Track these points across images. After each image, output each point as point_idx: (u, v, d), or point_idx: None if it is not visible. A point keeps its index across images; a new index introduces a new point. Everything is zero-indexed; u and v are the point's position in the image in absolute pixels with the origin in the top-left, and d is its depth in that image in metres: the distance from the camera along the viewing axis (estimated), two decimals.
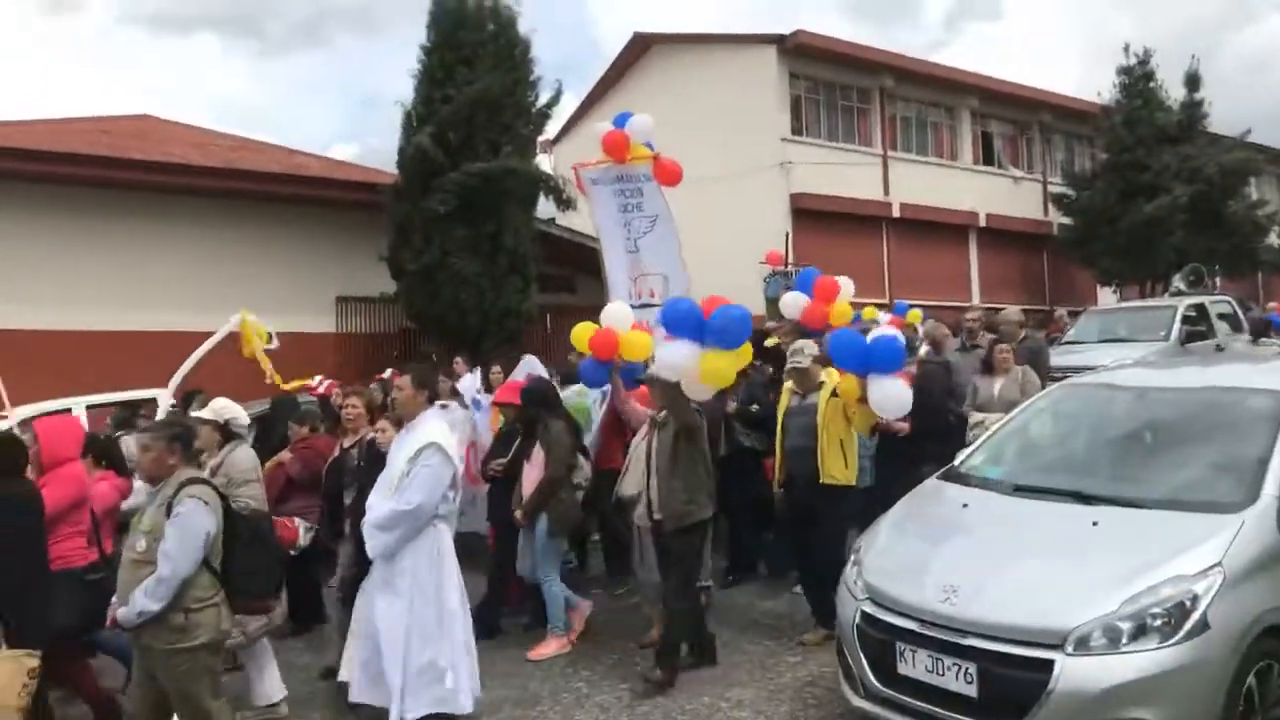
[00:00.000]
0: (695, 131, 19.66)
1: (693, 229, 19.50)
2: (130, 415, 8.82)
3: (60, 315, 13.26)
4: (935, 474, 5.32)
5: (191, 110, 66.80)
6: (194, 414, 5.89)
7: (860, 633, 4.33)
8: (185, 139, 16.95)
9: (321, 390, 9.36)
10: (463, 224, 13.51)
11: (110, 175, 13.88)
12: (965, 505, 4.72)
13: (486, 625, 6.27)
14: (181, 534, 3.89)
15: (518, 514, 6.33)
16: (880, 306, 13.86)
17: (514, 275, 13.99)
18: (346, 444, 6.11)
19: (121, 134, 15.83)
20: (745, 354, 5.61)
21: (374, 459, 5.38)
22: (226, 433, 5.38)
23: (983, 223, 23.94)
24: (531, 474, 6.33)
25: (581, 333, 6.75)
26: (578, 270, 16.31)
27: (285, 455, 6.78)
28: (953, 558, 4.34)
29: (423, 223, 13.56)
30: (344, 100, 72.29)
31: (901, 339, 5.75)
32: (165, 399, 9.16)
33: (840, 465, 5.97)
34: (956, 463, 5.31)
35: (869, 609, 4.32)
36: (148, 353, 10.22)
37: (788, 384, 6.44)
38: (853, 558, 4.80)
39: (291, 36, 65.11)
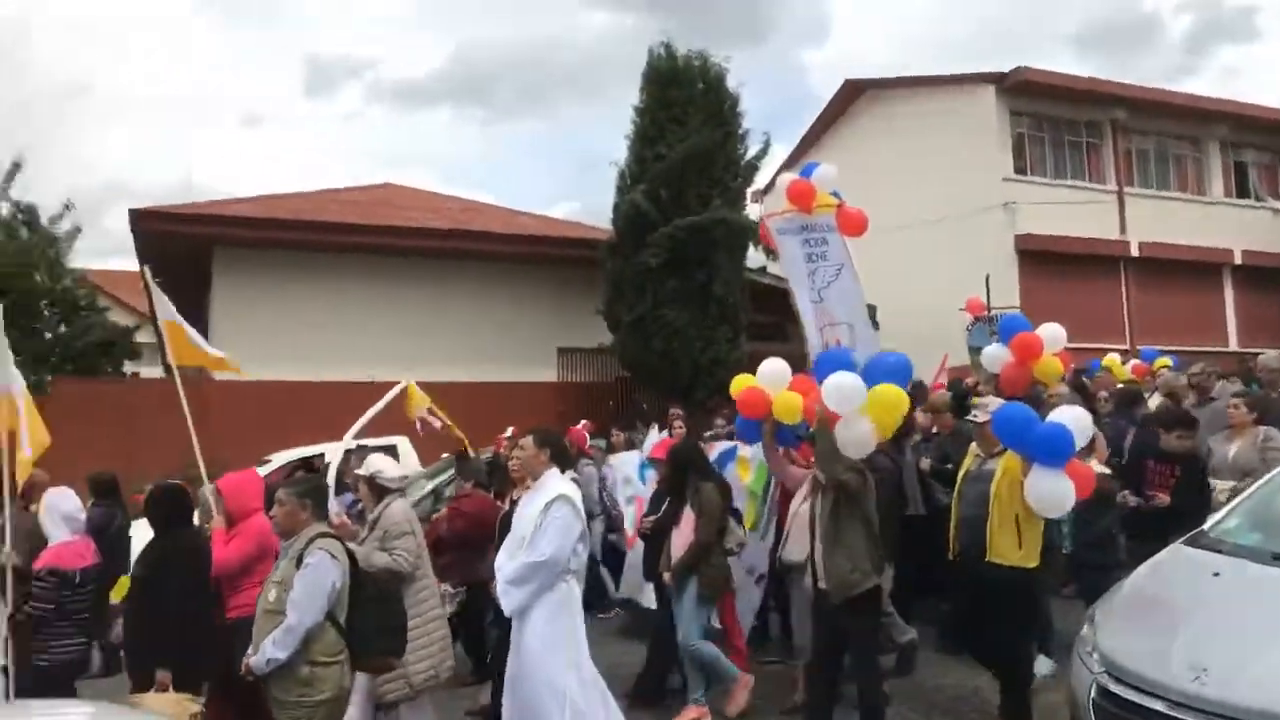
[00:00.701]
0: (911, 176, 19.16)
1: (911, 275, 19.23)
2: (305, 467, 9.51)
3: (314, 368, 14.65)
4: (1180, 540, 4.84)
5: (425, 176, 72.76)
6: (356, 471, 6.02)
7: (1097, 708, 3.97)
8: (420, 204, 18.44)
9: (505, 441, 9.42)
10: (674, 276, 13.85)
11: (359, 240, 15.36)
12: (1216, 574, 4.26)
13: (649, 688, 6.18)
14: (309, 585, 4.04)
15: (665, 576, 6.18)
16: (1121, 353, 12.91)
17: (724, 325, 14.17)
18: (516, 496, 6.01)
19: (369, 202, 17.44)
20: (902, 403, 5.18)
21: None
22: (379, 488, 5.42)
23: (1238, 260, 21.81)
24: (680, 536, 6.14)
25: (738, 385, 6.58)
26: (787, 318, 16.24)
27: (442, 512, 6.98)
28: (1202, 632, 3.92)
29: (636, 276, 14.01)
30: (565, 161, 76.40)
31: (1072, 434, 4.82)
32: (337, 452, 9.78)
33: (1012, 544, 5.12)
34: (1205, 527, 4.82)
35: (1107, 684, 3.96)
36: (392, 402, 11.03)
37: (972, 444, 5.90)
38: (1087, 625, 4.43)
39: (516, 104, 69.85)
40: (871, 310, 7.65)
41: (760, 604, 6.96)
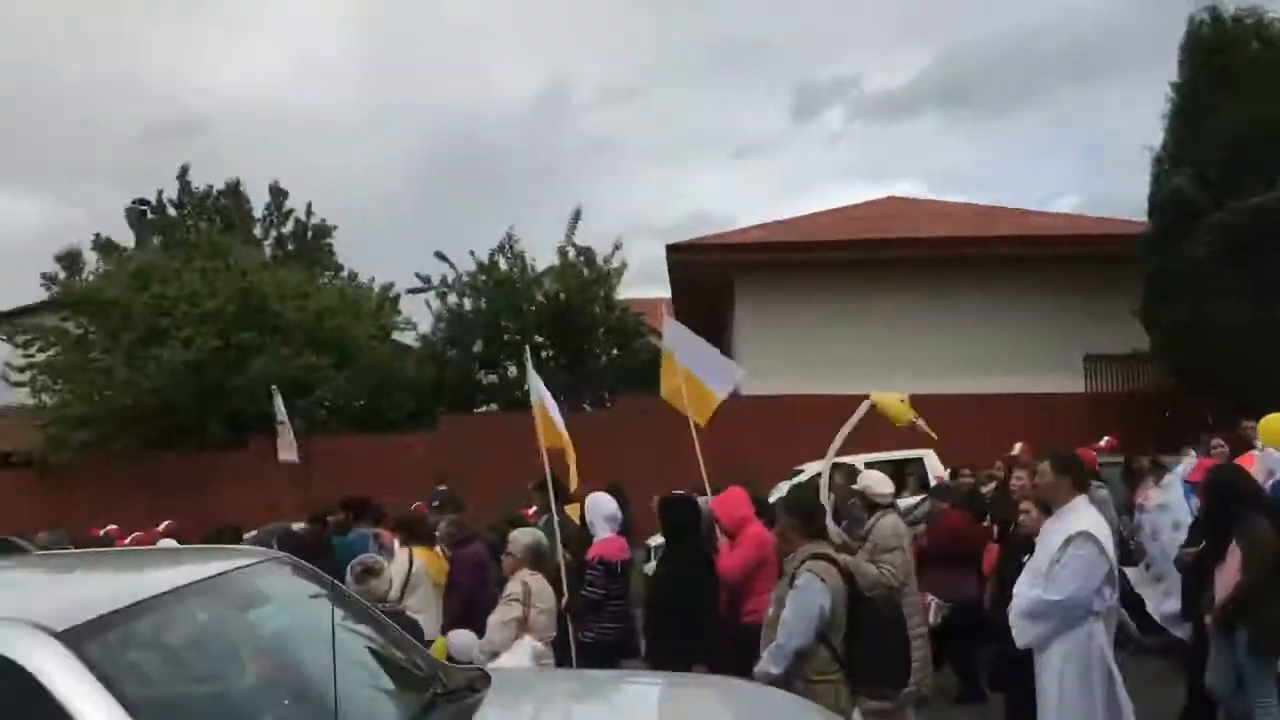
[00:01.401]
0: None
1: None
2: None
3: (827, 382, 15.06)
4: None
5: (913, 187, 71.63)
6: (851, 487, 6.15)
7: None
8: (927, 212, 18.08)
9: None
10: (1230, 268, 11.84)
11: (872, 255, 15.57)
12: None
13: None
14: (797, 608, 4.06)
15: (1207, 619, 5.25)
16: None
17: None
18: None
19: (875, 217, 17.56)
20: None
21: (1017, 542, 5.19)
22: (870, 503, 5.49)
23: None
24: (1225, 574, 5.16)
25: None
26: None
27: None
28: None
29: (1181, 271, 12.23)
30: (1061, 154, 69.64)
31: None
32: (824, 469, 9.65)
33: None
34: None
35: None
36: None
37: None
38: None
39: (1003, 100, 65.37)
40: None
41: None
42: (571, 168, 61.89)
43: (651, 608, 5.42)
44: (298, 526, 8.49)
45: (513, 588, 4.93)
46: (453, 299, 18.82)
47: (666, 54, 71.47)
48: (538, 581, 5.01)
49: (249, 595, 3.01)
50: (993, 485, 8.20)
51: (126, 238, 21.71)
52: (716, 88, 70.08)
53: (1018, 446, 8.77)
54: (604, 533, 6.00)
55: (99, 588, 2.72)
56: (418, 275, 18.86)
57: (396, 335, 21.82)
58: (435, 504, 8.03)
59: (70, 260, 19.72)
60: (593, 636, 5.59)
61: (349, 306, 18.99)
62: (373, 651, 3.11)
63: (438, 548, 6.44)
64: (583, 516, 6.43)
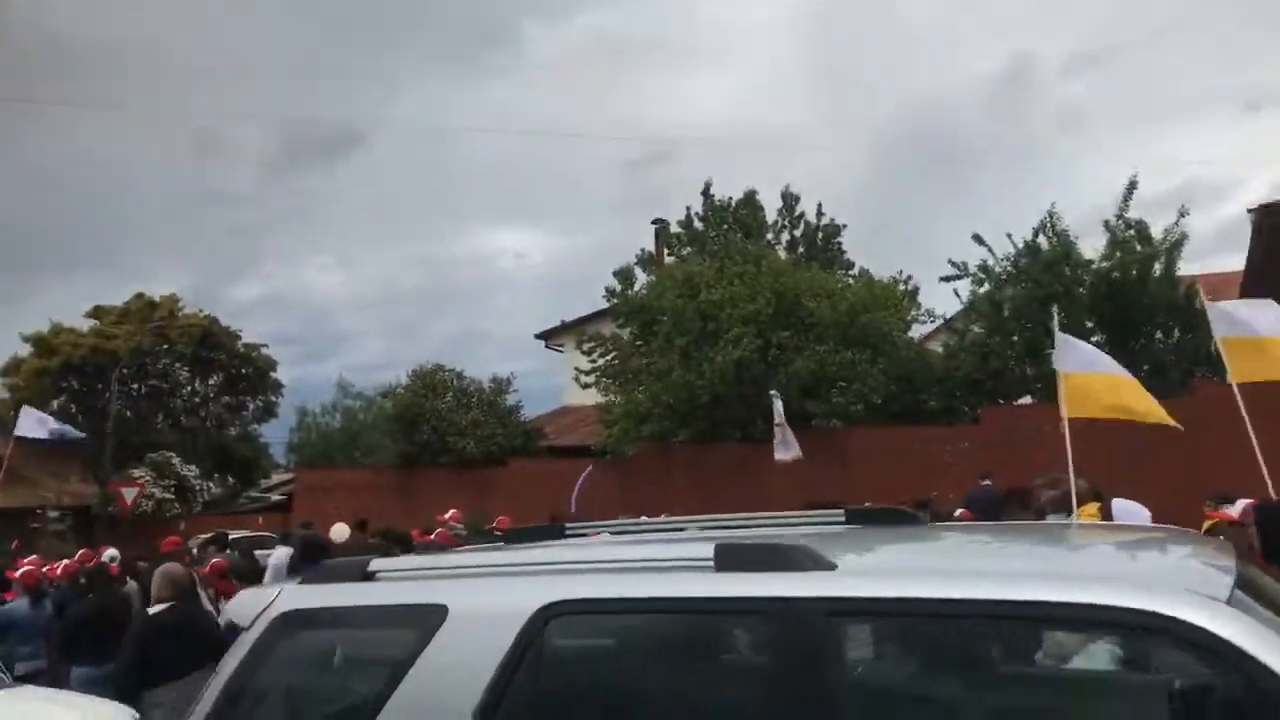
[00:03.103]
0: None
1: None
2: None
3: None
4: None
5: None
6: None
7: None
8: None
9: None
10: None
11: None
12: None
13: None
14: None
15: None
16: None
17: None
18: None
19: None
20: None
21: None
22: None
23: None
24: None
25: None
26: None
27: None
28: None
29: None
30: None
31: None
32: None
33: None
34: None
35: None
36: None
37: None
38: None
39: None
40: None
41: None
42: (1046, 141, 57.33)
43: None
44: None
45: None
46: (989, 286, 17.89)
47: (1136, 11, 63.39)
48: None
49: None
50: None
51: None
52: (1200, 42, 60.64)
53: None
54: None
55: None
56: (951, 262, 18.20)
57: (916, 329, 21.40)
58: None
59: (625, 276, 22.01)
60: None
61: (877, 301, 18.91)
62: None
63: None
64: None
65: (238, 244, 74.02)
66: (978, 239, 17.80)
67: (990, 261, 17.91)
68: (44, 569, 10.83)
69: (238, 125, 78.77)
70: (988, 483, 14.24)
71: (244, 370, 35.54)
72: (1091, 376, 6.95)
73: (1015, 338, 17.49)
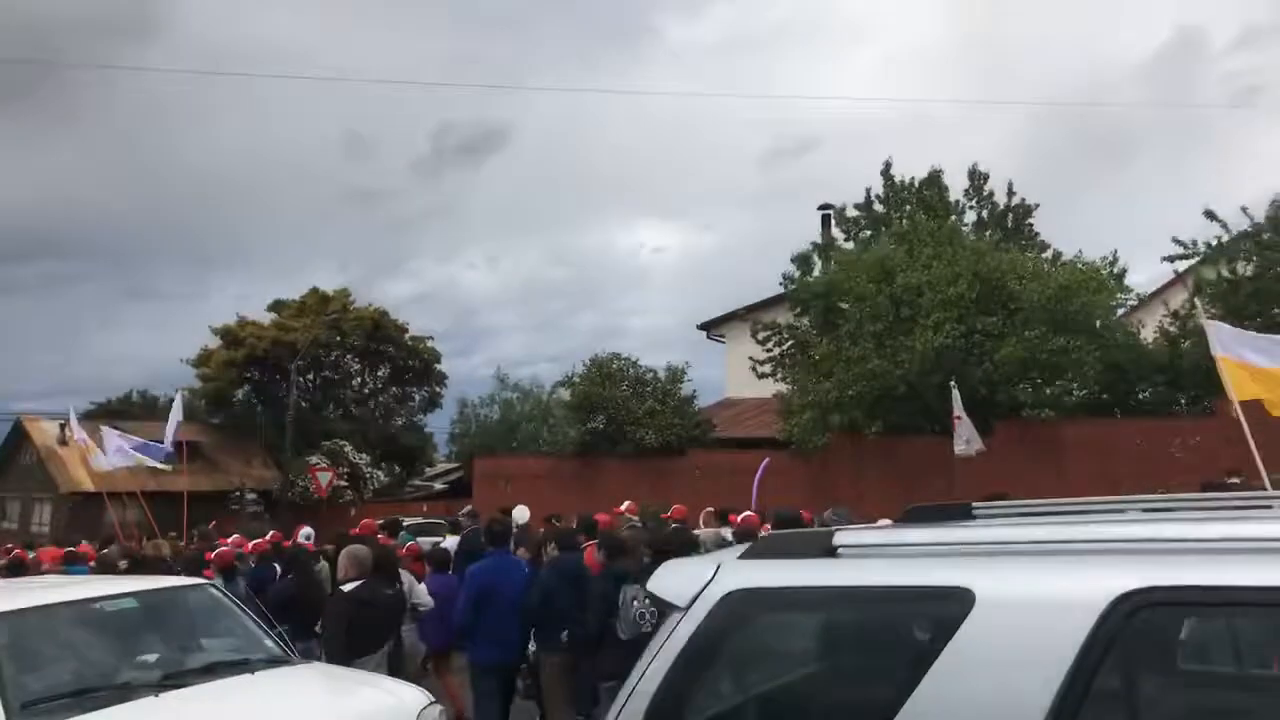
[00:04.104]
0: None
1: None
2: None
3: None
4: None
5: None
6: None
7: None
8: None
9: None
10: None
11: None
12: None
13: None
14: None
15: None
16: None
17: None
18: None
19: None
20: None
21: None
22: None
23: None
24: None
25: None
26: None
27: None
28: None
29: None
30: None
31: None
32: None
33: None
34: None
35: None
36: None
37: None
38: None
39: None
40: None
41: None
42: (1217, 119, 53.15)
43: None
44: None
45: None
46: (1222, 265, 16.39)
47: None
48: None
49: None
50: None
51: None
52: None
53: None
54: None
55: None
56: (1176, 240, 16.75)
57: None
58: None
59: (803, 261, 21.33)
60: None
61: (1088, 284, 17.57)
62: None
63: None
64: None
65: (389, 241, 76.70)
66: (1209, 215, 16.30)
67: (1223, 237, 16.38)
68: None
69: (389, 126, 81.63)
70: (1236, 480, 12.92)
71: (410, 362, 36.51)
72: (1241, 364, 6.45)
73: (1258, 319, 15.93)
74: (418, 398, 37.75)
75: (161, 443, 18.52)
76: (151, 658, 5.73)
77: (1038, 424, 16.81)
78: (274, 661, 5.94)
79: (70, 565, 11.21)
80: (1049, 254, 21.87)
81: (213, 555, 10.41)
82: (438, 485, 37.63)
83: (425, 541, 13.24)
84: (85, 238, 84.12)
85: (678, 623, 2.65)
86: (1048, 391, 16.74)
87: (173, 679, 5.39)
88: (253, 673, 5.67)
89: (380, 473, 34.24)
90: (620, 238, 73.55)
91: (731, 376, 28.29)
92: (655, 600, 3.17)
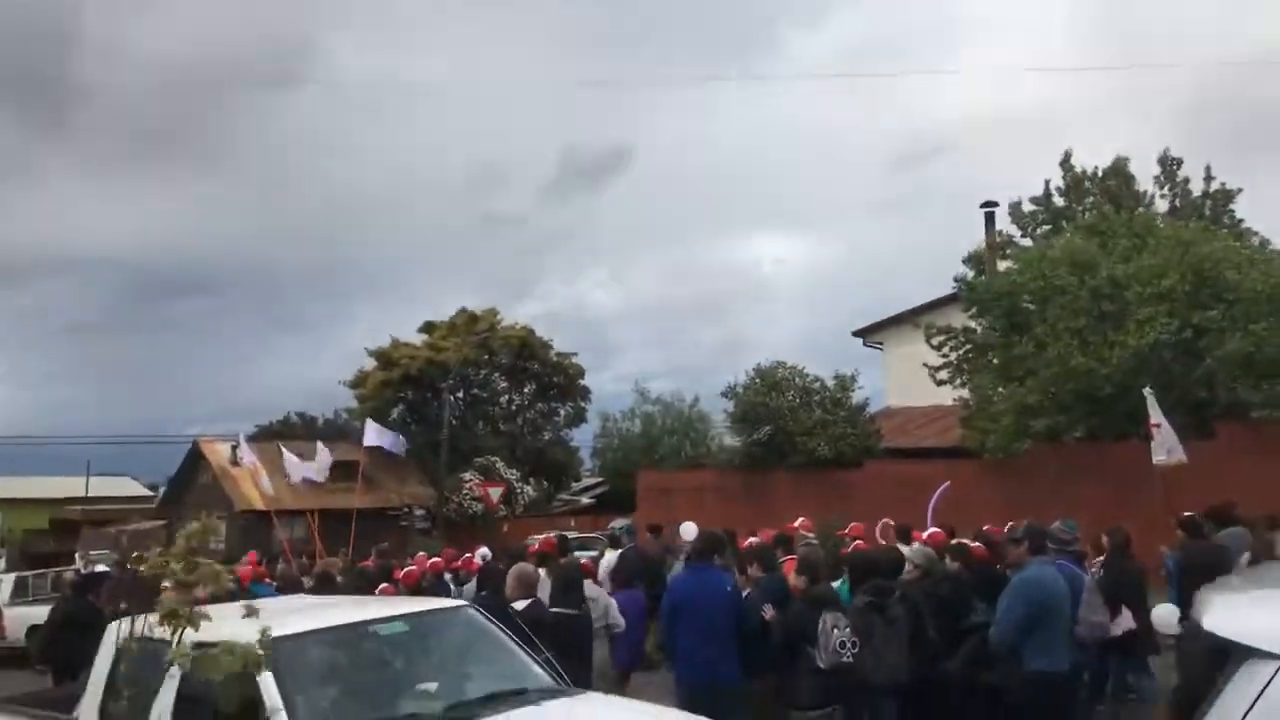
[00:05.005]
0: None
1: None
2: None
3: None
4: None
5: None
6: None
7: None
8: None
9: None
10: None
11: None
12: None
13: None
14: None
15: None
16: None
17: None
18: None
19: None
20: None
21: None
22: None
23: None
24: None
25: None
26: None
27: None
28: None
29: None
30: None
31: None
32: None
33: None
34: None
35: None
36: None
37: None
38: None
39: None
40: None
41: None
42: None
43: None
44: None
45: None
46: None
47: None
48: None
49: None
50: None
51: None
52: None
53: None
54: None
55: None
56: None
57: None
58: None
59: (978, 260, 20.28)
60: None
61: None
62: None
63: None
64: None
65: (519, 262, 77.99)
66: None
67: None
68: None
69: (516, 151, 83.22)
70: None
71: (555, 379, 36.66)
72: None
73: None
74: (562, 413, 37.87)
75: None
76: (431, 687, 5.38)
77: (1269, 425, 15.32)
78: (552, 691, 5.49)
79: (256, 585, 11.12)
80: (1256, 242, 20.18)
81: (400, 574, 10.31)
82: (584, 499, 37.61)
83: (582, 556, 12.86)
84: (234, 272, 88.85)
85: (1275, 674, 2.09)
86: (1279, 389, 15.25)
87: (455, 711, 5.03)
88: (537, 704, 5.20)
89: (529, 488, 34.39)
90: (743, 249, 72.94)
91: (893, 384, 27.20)
92: (1217, 641, 2.52)
